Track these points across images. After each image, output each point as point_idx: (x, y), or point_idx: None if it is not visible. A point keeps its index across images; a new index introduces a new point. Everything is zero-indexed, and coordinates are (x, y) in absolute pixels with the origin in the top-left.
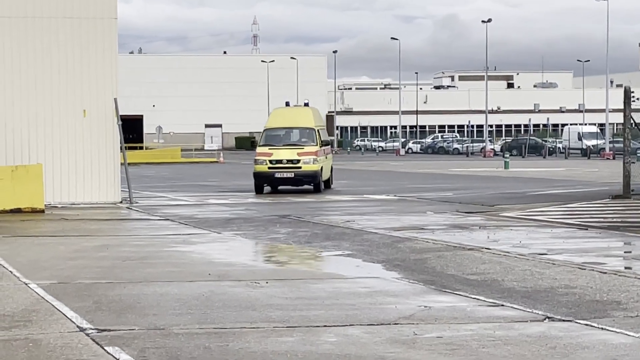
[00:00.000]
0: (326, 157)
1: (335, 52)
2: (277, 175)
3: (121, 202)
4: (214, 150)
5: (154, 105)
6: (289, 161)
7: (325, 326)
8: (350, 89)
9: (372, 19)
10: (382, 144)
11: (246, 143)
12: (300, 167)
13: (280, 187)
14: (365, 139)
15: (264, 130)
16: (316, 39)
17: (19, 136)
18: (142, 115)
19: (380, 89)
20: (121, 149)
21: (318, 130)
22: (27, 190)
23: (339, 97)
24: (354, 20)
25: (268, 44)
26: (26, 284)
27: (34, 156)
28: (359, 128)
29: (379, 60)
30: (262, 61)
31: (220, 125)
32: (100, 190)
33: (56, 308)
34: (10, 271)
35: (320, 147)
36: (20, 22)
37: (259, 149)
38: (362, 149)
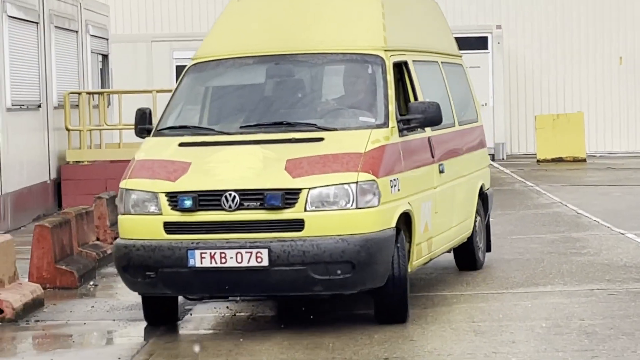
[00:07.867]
0: (440, 171)
1: None
2: (195, 262)
3: None
4: None
5: None
6: (253, 198)
7: None
8: None
9: None
10: None
11: None
12: (299, 227)
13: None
14: None
15: (184, 74)
16: None
17: (560, 84)
18: None
19: None
20: None
21: (403, 65)
22: (568, 139)
23: None
24: None
25: None
26: (622, 234)
27: (575, 104)
28: None
29: None
30: None
31: None
32: (637, 139)
33: None
34: (595, 220)
35: (402, 130)
36: None
37: (141, 150)
38: None
